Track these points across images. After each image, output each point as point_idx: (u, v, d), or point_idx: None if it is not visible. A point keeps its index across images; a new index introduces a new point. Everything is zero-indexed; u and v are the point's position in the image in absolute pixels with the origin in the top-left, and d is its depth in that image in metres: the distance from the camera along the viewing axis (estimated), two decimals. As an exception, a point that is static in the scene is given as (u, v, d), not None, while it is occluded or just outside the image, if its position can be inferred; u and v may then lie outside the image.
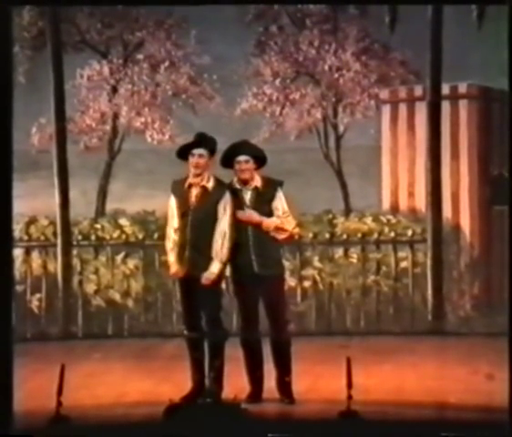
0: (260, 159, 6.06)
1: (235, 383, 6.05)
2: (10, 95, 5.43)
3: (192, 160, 5.95)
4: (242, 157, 5.98)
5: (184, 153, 6.03)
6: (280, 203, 6.05)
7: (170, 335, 8.35)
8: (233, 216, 5.95)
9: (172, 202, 6.07)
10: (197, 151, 5.95)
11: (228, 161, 6.05)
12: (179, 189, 6.04)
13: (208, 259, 5.92)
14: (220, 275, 5.97)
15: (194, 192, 5.97)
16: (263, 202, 6.01)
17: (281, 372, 6.07)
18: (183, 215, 5.98)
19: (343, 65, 9.46)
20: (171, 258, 6.06)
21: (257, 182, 6.03)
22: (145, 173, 9.31)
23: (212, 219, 5.92)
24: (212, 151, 6.02)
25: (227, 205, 5.94)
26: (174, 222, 6.05)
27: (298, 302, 8.93)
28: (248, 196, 6.02)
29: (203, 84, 9.47)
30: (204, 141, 6.00)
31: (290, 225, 6.08)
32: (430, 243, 8.91)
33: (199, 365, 5.96)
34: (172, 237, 6.05)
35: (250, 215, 6.00)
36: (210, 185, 5.97)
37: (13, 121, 5.46)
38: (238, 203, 6.00)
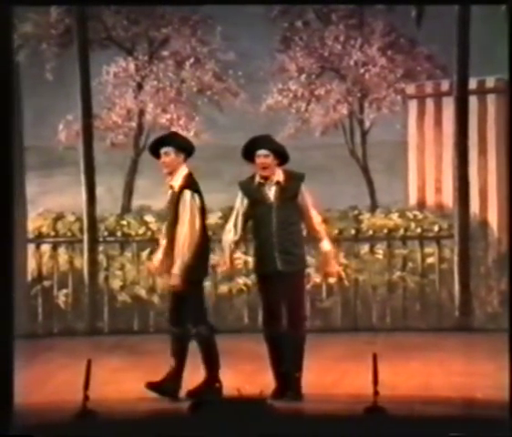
0: (281, 155, 6.02)
1: (261, 380, 6.05)
2: (11, 95, 5.43)
3: (161, 158, 5.94)
4: (262, 152, 5.95)
5: (155, 152, 6.00)
6: (308, 201, 6.00)
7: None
8: (193, 214, 5.85)
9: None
10: (163, 150, 5.91)
11: (249, 155, 6.02)
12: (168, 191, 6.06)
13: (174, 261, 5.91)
14: (192, 275, 5.90)
15: (169, 191, 5.97)
16: (287, 198, 5.97)
17: (292, 367, 6.03)
18: (165, 215, 6.03)
19: (368, 60, 9.42)
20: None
21: (279, 177, 5.99)
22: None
23: (176, 220, 5.87)
24: (183, 149, 5.92)
25: (185, 204, 5.85)
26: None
27: (323, 299, 8.91)
28: (272, 191, 5.98)
29: (228, 80, 9.47)
30: (170, 139, 5.97)
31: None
32: (457, 239, 8.85)
33: (181, 360, 5.98)
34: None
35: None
36: (177, 184, 5.90)
37: (14, 121, 5.47)
38: (261, 197, 5.98)
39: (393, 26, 9.43)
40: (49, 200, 9.32)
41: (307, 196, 6.02)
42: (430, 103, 9.47)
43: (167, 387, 5.92)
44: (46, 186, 9.39)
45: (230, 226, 6.07)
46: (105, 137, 9.50)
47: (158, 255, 6.07)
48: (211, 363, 6.00)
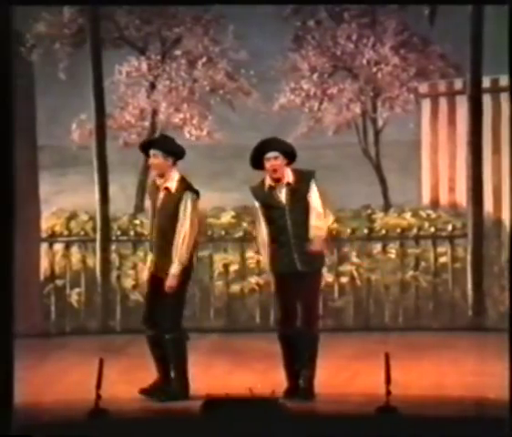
0: (289, 154, 5.99)
1: (273, 380, 6.05)
2: (11, 95, 5.44)
3: (150, 160, 6.00)
4: (272, 154, 5.91)
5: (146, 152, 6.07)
6: (314, 197, 5.95)
7: (208, 330, 8.37)
8: (194, 216, 5.89)
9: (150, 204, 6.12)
10: (152, 152, 5.98)
11: (257, 161, 5.97)
12: (152, 191, 6.08)
13: (169, 261, 5.92)
14: (184, 277, 5.94)
15: (161, 194, 5.99)
16: (298, 198, 5.94)
17: (305, 367, 6.01)
18: (153, 216, 6.02)
19: (381, 58, 9.39)
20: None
21: (289, 178, 5.96)
22: (183, 169, 9.31)
23: (175, 221, 5.91)
24: (171, 153, 5.96)
25: (187, 205, 5.90)
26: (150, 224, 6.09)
27: (335, 298, 8.89)
28: (283, 194, 5.95)
29: (240, 79, 9.47)
30: (158, 143, 6.02)
31: (324, 222, 5.99)
32: (470, 238, 8.81)
33: (161, 362, 6.02)
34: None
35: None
36: (173, 186, 5.95)
37: (14, 121, 5.49)
38: (273, 201, 5.96)
39: (405, 25, 9.40)
40: (62, 199, 9.35)
41: (313, 195, 5.96)
42: (443, 102, 9.43)
43: (154, 391, 5.97)
44: (60, 185, 9.42)
45: (262, 226, 6.01)
46: (118, 137, 9.52)
47: (151, 256, 6.06)
48: (180, 367, 6.03)
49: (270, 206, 5.96)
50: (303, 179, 5.97)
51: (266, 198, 5.98)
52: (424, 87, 9.46)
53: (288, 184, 5.96)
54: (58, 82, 9.13)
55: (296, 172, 6.01)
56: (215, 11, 9.45)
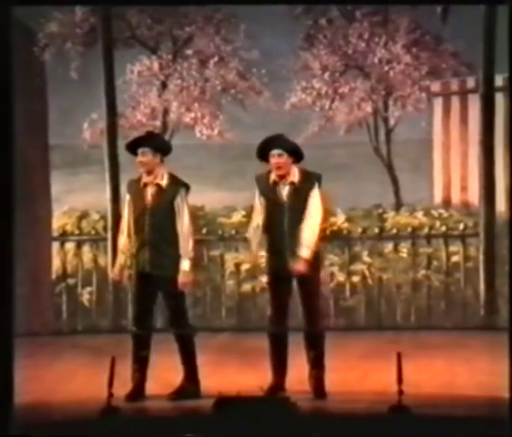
0: (295, 153, 6.00)
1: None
2: (11, 95, 5.45)
3: (137, 158, 5.98)
4: (276, 151, 5.94)
5: (133, 151, 6.07)
6: (314, 201, 5.93)
7: (219, 329, 8.36)
8: (189, 210, 5.94)
9: (127, 201, 6.06)
10: (140, 150, 5.97)
11: (263, 155, 6.02)
12: (135, 189, 6.04)
13: (168, 258, 5.91)
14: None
15: (150, 191, 5.97)
16: (300, 199, 5.95)
17: (313, 367, 6.02)
18: (140, 215, 5.96)
19: (393, 57, 9.36)
20: (121, 259, 6.03)
21: (293, 177, 5.97)
22: (194, 168, 9.34)
23: (169, 217, 5.91)
24: (160, 150, 5.99)
25: (183, 201, 5.93)
26: (130, 222, 6.00)
27: (347, 297, 8.87)
28: (285, 191, 5.97)
29: (252, 78, 9.46)
30: (147, 140, 6.02)
31: (313, 237, 5.93)
32: (483, 237, 8.78)
33: (143, 364, 6.00)
34: (124, 236, 6.02)
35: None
36: (165, 182, 5.95)
37: (14, 121, 5.49)
38: (274, 196, 5.97)
39: (417, 23, 9.37)
40: (74, 198, 9.37)
41: (313, 199, 5.94)
42: (455, 100, 9.40)
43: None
44: (71, 184, 9.44)
45: (256, 222, 6.05)
46: (129, 136, 9.47)
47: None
48: (192, 363, 6.02)
49: (270, 200, 5.98)
50: (308, 180, 5.98)
51: (268, 191, 6.01)
52: (436, 86, 9.43)
53: (292, 183, 5.98)
54: (70, 81, 9.15)
55: (303, 172, 6.02)
56: (226, 10, 9.45)
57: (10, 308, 5.39)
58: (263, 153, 6.01)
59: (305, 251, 5.93)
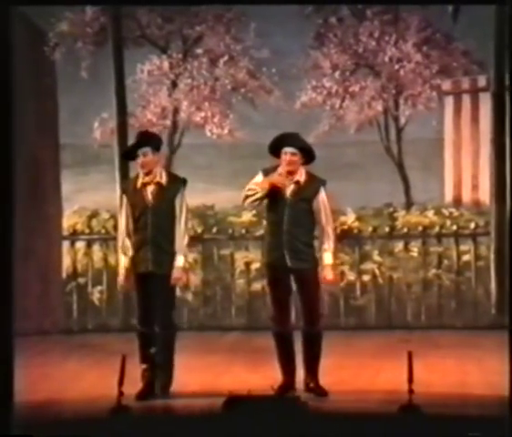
0: (308, 154, 6.02)
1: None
2: (11, 95, 5.45)
3: (139, 160, 5.96)
4: (290, 149, 5.95)
5: (130, 155, 6.08)
6: (321, 203, 5.98)
7: (229, 328, 8.36)
8: (188, 208, 5.97)
9: (124, 202, 6.02)
10: (141, 150, 5.95)
11: (275, 150, 6.02)
12: (132, 190, 6.01)
13: (168, 256, 5.91)
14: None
15: (149, 190, 5.96)
16: (303, 198, 5.98)
17: (309, 366, 6.03)
18: (141, 214, 5.95)
19: (403, 56, 9.33)
20: (125, 262, 6.00)
21: (300, 176, 6.00)
22: (204, 167, 9.35)
23: (170, 215, 5.92)
24: (158, 148, 6.03)
25: (183, 198, 5.95)
26: (129, 223, 5.99)
27: (357, 296, 8.85)
28: (289, 189, 5.98)
29: (262, 77, 9.46)
30: (146, 140, 6.02)
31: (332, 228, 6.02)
32: (494, 236, 8.74)
33: (152, 362, 5.99)
34: (124, 238, 6.00)
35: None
36: (164, 180, 5.97)
37: (14, 122, 5.50)
38: (279, 194, 5.97)
39: (428, 22, 9.34)
40: (84, 198, 9.38)
41: (323, 204, 5.99)
42: (466, 99, 9.36)
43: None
44: (81, 183, 9.46)
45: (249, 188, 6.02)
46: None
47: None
48: (171, 364, 6.00)
49: (274, 195, 5.98)
50: (313, 183, 6.01)
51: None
52: (447, 84, 9.39)
53: (297, 182, 6.00)
54: (80, 81, 9.16)
55: (309, 175, 6.05)
56: (237, 9, 9.45)
57: (10, 308, 5.39)
58: (276, 149, 6.01)
59: (331, 258, 6.00)
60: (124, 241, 6.02)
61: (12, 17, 5.51)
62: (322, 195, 6.00)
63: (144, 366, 6.02)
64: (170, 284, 5.95)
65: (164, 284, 5.95)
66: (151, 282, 5.98)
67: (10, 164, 5.44)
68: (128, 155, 6.25)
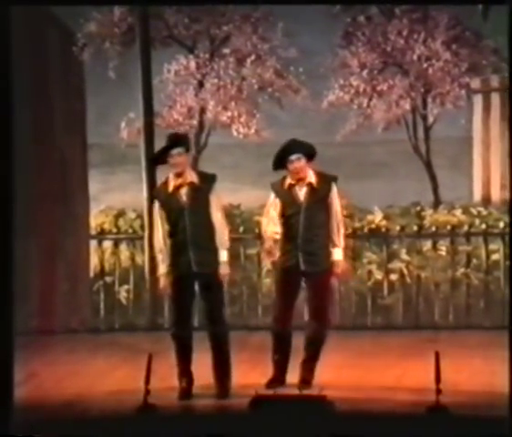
0: (310, 154, 6.06)
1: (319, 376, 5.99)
2: (11, 95, 5.47)
3: (172, 161, 5.93)
4: (294, 156, 5.98)
5: (159, 158, 6.07)
6: (334, 199, 6.04)
7: (256, 327, 8.35)
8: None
9: (157, 209, 6.00)
10: (174, 151, 5.92)
11: (280, 163, 6.04)
12: (164, 194, 5.99)
13: (210, 254, 5.92)
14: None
15: (183, 192, 5.94)
16: (318, 199, 6.02)
17: (308, 365, 6.05)
18: (178, 217, 5.93)
19: (432, 54, 9.27)
20: (163, 269, 5.96)
21: (311, 178, 6.04)
22: (231, 167, 9.35)
23: (207, 213, 5.92)
24: (188, 148, 6.04)
25: (216, 194, 5.96)
26: (165, 227, 5.97)
27: (385, 295, 8.80)
28: (302, 192, 6.01)
29: (289, 77, 9.44)
30: (178, 140, 6.01)
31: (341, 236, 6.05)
32: (523, 235, 8.63)
33: (188, 364, 5.99)
34: (161, 244, 5.97)
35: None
36: (197, 180, 5.96)
37: (13, 122, 5.53)
38: (291, 199, 6.00)
39: (458, 19, 9.26)
40: (111, 197, 9.43)
41: (336, 199, 6.05)
42: (496, 97, 9.27)
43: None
44: (109, 183, 9.50)
45: (267, 219, 6.10)
46: (166, 135, 9.54)
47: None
48: (227, 362, 5.99)
49: (288, 202, 6.01)
50: (325, 182, 6.05)
51: (285, 195, 6.06)
52: (475, 83, 9.31)
53: (309, 184, 6.04)
54: (108, 81, 9.21)
55: (318, 174, 6.08)
56: (264, 9, 9.44)
57: (10, 307, 5.42)
58: (281, 161, 6.03)
59: (340, 253, 6.03)
60: (161, 247, 6.00)
61: (12, 17, 5.54)
62: (335, 191, 6.05)
63: (181, 369, 5.97)
64: (218, 281, 5.95)
65: (211, 282, 5.95)
66: (191, 284, 5.98)
67: (10, 164, 5.47)
68: (156, 159, 6.24)
